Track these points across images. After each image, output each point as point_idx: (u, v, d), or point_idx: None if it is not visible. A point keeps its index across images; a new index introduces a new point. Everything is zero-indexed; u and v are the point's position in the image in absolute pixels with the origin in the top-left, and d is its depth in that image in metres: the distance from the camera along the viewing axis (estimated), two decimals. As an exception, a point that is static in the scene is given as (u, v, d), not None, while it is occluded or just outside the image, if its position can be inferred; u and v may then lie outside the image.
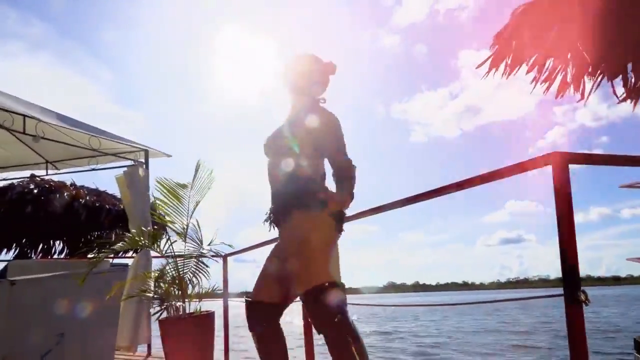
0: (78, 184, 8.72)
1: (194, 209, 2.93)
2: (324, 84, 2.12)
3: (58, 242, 9.56)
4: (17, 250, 9.15)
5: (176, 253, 2.85)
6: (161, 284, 2.74)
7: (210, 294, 3.06)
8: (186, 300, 2.74)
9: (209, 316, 2.71)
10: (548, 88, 2.92)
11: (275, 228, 2.00)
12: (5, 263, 7.95)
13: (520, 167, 1.54)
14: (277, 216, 1.94)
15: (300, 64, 2.09)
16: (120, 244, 2.83)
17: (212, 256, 2.91)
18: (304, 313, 2.39)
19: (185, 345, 2.62)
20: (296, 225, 1.82)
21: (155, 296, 2.78)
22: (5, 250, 9.09)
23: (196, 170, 2.97)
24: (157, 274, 2.79)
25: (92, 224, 8.40)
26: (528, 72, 2.85)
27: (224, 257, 4.41)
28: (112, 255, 3.03)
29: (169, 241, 2.86)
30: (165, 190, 2.93)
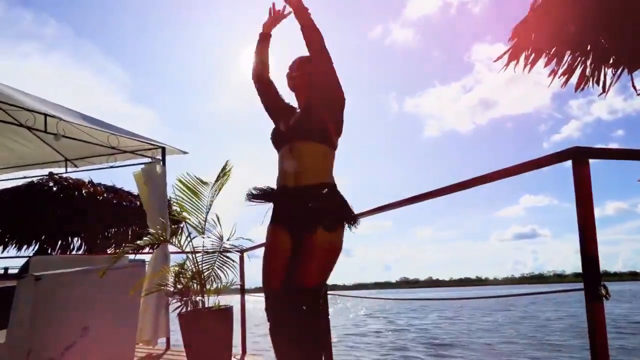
0: (95, 181, 8.88)
1: (211, 204, 2.96)
2: None
3: (76, 238, 9.75)
4: (36, 247, 9.36)
5: (195, 248, 2.90)
6: (181, 279, 2.79)
7: (227, 289, 3.11)
8: (205, 295, 2.78)
9: (228, 310, 2.76)
10: (566, 81, 2.90)
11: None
12: (25, 259, 8.13)
13: (540, 163, 1.54)
14: (299, 224, 1.97)
15: (306, 66, 2.14)
16: (145, 239, 2.90)
17: (236, 251, 2.96)
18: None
19: (205, 338, 2.67)
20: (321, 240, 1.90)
21: (175, 291, 2.83)
22: (25, 246, 9.31)
23: (222, 170, 3.00)
24: (177, 269, 2.84)
25: (109, 221, 8.56)
26: (546, 65, 2.83)
27: (241, 253, 4.47)
28: (131, 251, 3.08)
29: (188, 237, 2.90)
30: (184, 188, 2.97)
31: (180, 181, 2.95)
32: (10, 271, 8.89)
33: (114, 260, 2.70)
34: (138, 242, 2.84)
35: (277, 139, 2.09)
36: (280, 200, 2.05)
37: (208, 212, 2.99)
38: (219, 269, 2.76)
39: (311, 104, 2.06)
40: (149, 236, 2.95)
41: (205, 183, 2.96)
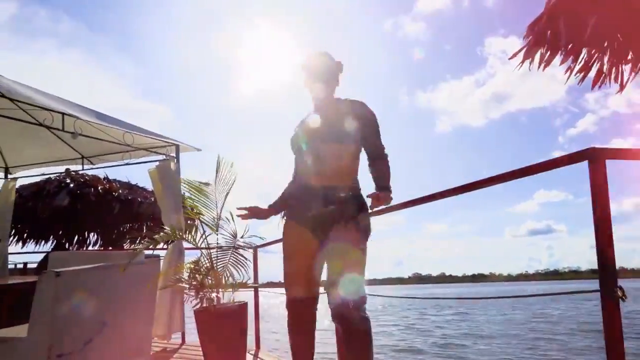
0: (111, 177, 9.01)
1: (224, 202, 3.00)
2: (338, 81, 2.21)
3: (92, 233, 9.92)
4: (54, 242, 9.53)
5: (210, 245, 2.94)
6: (196, 275, 2.84)
7: (242, 285, 3.14)
8: (220, 290, 2.82)
9: (243, 306, 2.79)
10: (583, 78, 2.86)
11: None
12: (44, 254, 8.27)
13: (555, 163, 1.54)
14: (322, 224, 1.99)
15: (322, 58, 2.15)
16: (161, 234, 2.95)
17: (248, 248, 2.99)
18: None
19: (221, 334, 2.71)
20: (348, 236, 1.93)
21: (190, 287, 2.87)
22: (43, 242, 9.49)
23: (217, 167, 3.05)
24: (192, 265, 2.88)
25: (125, 216, 8.68)
26: (562, 62, 2.79)
27: (255, 249, 4.51)
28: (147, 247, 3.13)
29: (203, 235, 2.94)
30: (192, 189, 3.03)
31: (186, 183, 3.01)
32: (29, 266, 9.08)
33: (133, 256, 2.74)
34: (155, 237, 2.89)
35: (303, 141, 2.10)
36: (304, 200, 2.06)
37: (222, 209, 3.02)
38: (232, 266, 2.79)
39: (343, 114, 2.05)
40: (164, 232, 2.99)
41: (206, 184, 3.01)
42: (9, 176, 5.73)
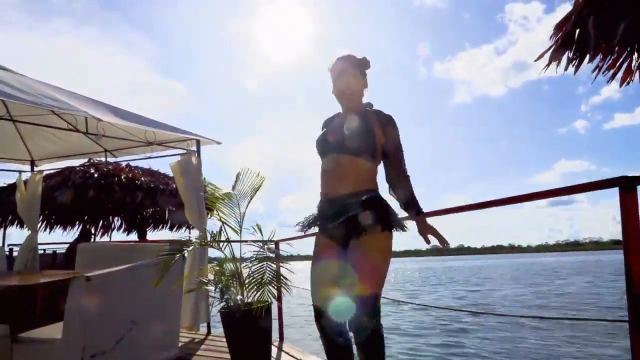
0: (133, 164, 9.19)
1: (246, 208, 3.03)
2: (366, 82, 2.19)
3: (117, 218, 10.18)
4: (80, 226, 9.82)
5: (234, 249, 2.99)
6: (221, 277, 2.90)
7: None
8: (245, 293, 2.89)
9: (268, 307, 2.86)
10: (613, 76, 2.75)
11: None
12: (69, 241, 8.48)
13: (586, 187, 1.51)
14: (340, 236, 2.01)
15: (346, 66, 2.12)
16: (194, 241, 3.02)
17: (274, 252, 3.03)
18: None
19: (245, 333, 2.78)
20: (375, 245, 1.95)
21: (215, 289, 2.94)
22: (70, 227, 9.78)
23: (236, 179, 3.06)
24: (216, 267, 2.94)
25: (147, 202, 8.88)
26: (590, 61, 2.69)
27: (276, 248, 4.57)
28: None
29: (227, 239, 2.99)
30: (214, 195, 3.07)
31: (210, 187, 3.03)
32: (58, 252, 9.40)
33: (163, 267, 2.80)
34: (182, 246, 2.95)
35: (324, 149, 2.10)
36: (323, 210, 2.08)
37: (243, 217, 3.05)
38: (272, 281, 2.83)
39: (371, 126, 2.03)
40: (190, 239, 3.05)
41: (228, 196, 3.03)
42: (35, 169, 5.88)
